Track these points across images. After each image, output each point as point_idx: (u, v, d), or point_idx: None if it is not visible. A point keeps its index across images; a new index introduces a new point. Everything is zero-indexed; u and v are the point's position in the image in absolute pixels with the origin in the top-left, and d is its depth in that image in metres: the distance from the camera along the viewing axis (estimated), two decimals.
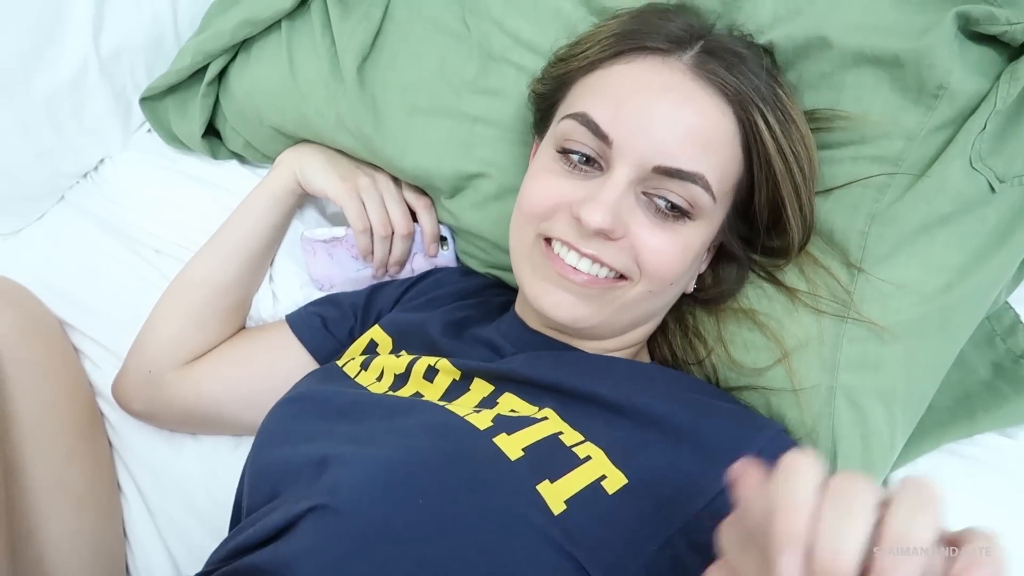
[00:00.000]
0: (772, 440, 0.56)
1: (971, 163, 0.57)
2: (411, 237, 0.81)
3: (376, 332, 0.76)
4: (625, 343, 0.68)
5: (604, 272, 0.60)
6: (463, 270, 0.84)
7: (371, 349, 0.75)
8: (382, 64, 0.77)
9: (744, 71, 0.59)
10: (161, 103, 0.88)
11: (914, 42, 0.57)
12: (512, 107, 0.75)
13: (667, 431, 0.55)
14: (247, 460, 0.65)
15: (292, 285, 0.85)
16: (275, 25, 0.81)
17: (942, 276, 0.59)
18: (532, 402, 0.60)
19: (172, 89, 0.87)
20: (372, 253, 0.81)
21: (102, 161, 0.95)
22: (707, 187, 0.57)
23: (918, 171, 0.59)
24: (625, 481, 0.52)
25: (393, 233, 0.80)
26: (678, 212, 0.58)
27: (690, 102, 0.58)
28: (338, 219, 0.90)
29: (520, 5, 0.75)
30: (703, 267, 0.68)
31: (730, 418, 0.58)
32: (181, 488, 0.81)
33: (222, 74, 0.85)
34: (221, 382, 0.78)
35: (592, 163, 0.60)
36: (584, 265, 0.59)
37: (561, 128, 0.61)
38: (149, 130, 0.95)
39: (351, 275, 0.84)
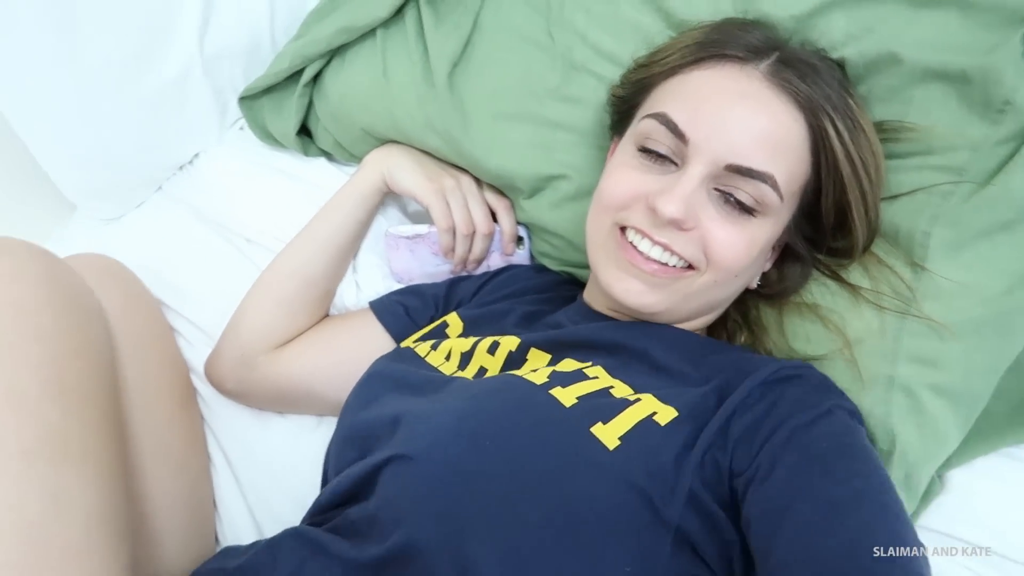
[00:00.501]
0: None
1: None
2: (491, 236, 0.87)
3: (451, 317, 0.82)
4: (687, 328, 0.72)
5: (674, 261, 0.64)
6: (537, 267, 0.90)
7: (441, 331, 0.81)
8: (471, 71, 0.83)
9: (817, 81, 0.63)
10: (257, 102, 0.95)
11: (981, 59, 0.62)
12: (591, 114, 0.80)
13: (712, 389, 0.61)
14: (333, 434, 0.71)
15: (375, 277, 0.91)
16: (370, 32, 0.87)
17: (1003, 280, 0.63)
18: (583, 360, 0.65)
19: (269, 90, 0.94)
20: (452, 250, 0.87)
21: (197, 155, 1.02)
22: (775, 187, 0.62)
23: (982, 180, 0.63)
24: (675, 413, 0.58)
25: (474, 232, 0.85)
26: (747, 209, 0.63)
27: (764, 107, 0.63)
28: (418, 217, 0.95)
29: (602, 19, 0.80)
30: (767, 265, 0.72)
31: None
32: (267, 460, 0.86)
33: (316, 77, 0.91)
34: (309, 365, 0.83)
35: (669, 160, 0.65)
36: (655, 253, 0.64)
37: (641, 127, 0.66)
38: (242, 128, 1.02)
39: (430, 270, 0.90)
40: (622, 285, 0.66)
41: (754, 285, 0.72)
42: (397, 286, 0.91)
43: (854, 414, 0.62)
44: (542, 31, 0.82)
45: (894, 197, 0.66)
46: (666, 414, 0.58)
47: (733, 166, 0.62)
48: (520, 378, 0.62)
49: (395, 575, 0.53)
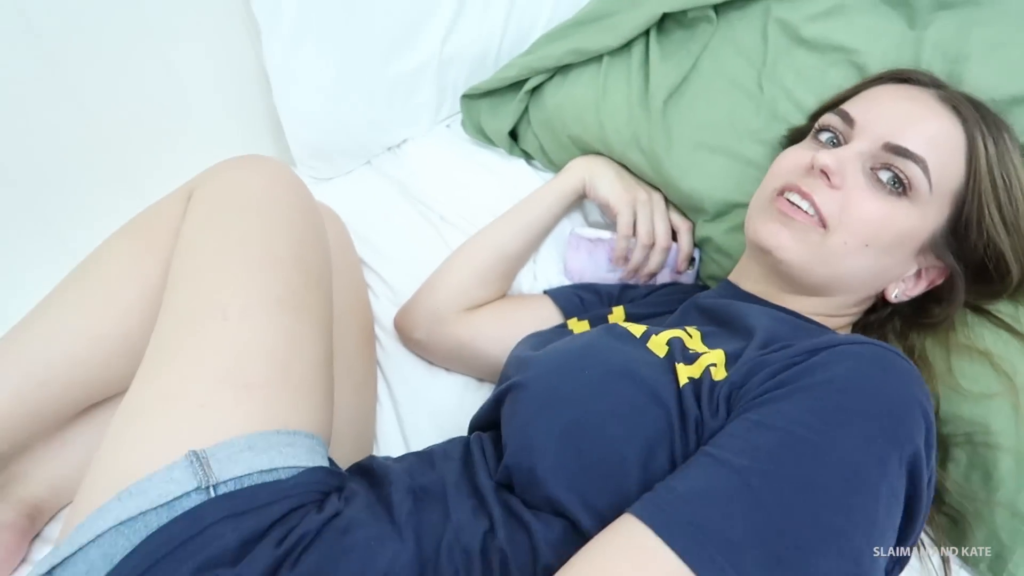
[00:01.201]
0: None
1: None
2: (668, 251, 0.96)
3: (617, 308, 0.92)
4: (823, 310, 0.75)
5: (812, 211, 0.68)
6: (700, 286, 0.99)
7: (603, 317, 0.91)
8: (683, 104, 0.95)
9: (979, 107, 0.72)
10: (477, 102, 1.08)
11: None
12: None
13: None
14: None
15: (551, 270, 1.01)
16: (596, 57, 1.00)
17: None
18: (690, 324, 0.73)
19: (490, 92, 1.07)
20: (626, 259, 0.96)
21: (406, 140, 1.15)
22: (926, 171, 0.67)
23: None
24: (725, 375, 0.62)
25: (654, 245, 0.95)
26: (894, 186, 0.68)
27: (928, 108, 0.70)
28: (599, 226, 1.06)
29: (810, 81, 0.91)
30: (912, 286, 0.73)
31: None
32: (431, 407, 0.95)
33: (536, 88, 1.04)
34: (490, 329, 0.93)
35: (838, 143, 0.73)
36: (798, 201, 0.69)
37: (819, 122, 0.76)
38: (448, 125, 1.16)
39: (602, 274, 0.99)
40: (766, 228, 0.71)
41: (893, 295, 0.73)
42: (567, 283, 1.01)
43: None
44: (753, 81, 0.94)
45: None
46: (719, 373, 0.62)
47: (890, 145, 0.68)
48: (622, 328, 0.71)
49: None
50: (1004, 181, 0.69)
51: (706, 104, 0.95)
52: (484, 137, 1.09)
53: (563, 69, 1.03)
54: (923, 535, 0.73)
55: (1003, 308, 0.74)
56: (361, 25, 1.01)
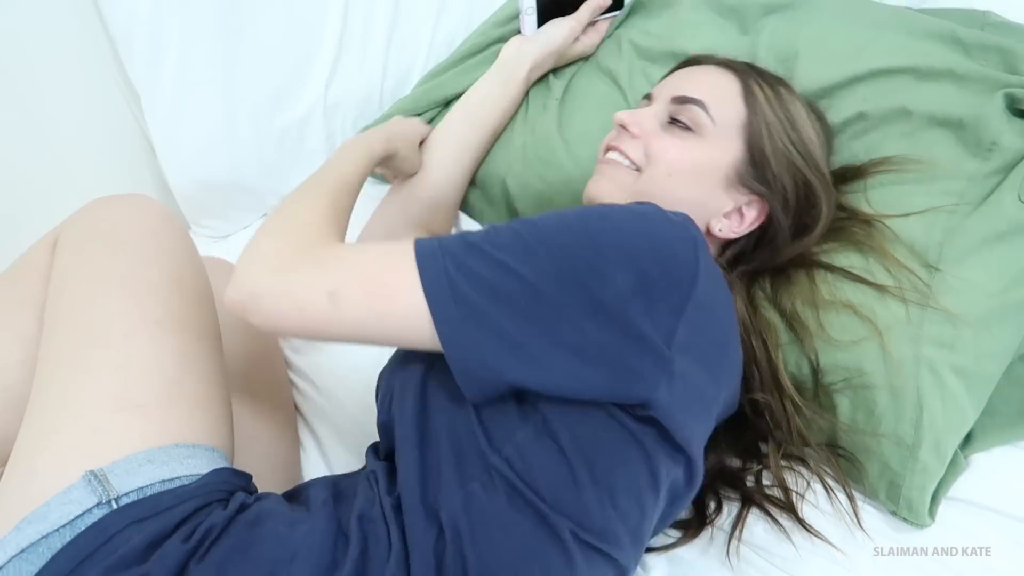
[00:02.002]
0: None
1: (1019, 197, 0.79)
2: None
3: None
4: None
5: (625, 162, 0.80)
6: None
7: None
8: (564, 118, 1.03)
9: (756, 67, 0.84)
10: None
11: (974, 111, 0.81)
12: None
13: None
14: None
15: None
16: None
17: (1000, 280, 0.78)
18: None
19: None
20: None
21: None
22: (705, 108, 0.78)
23: (978, 203, 0.80)
24: None
25: None
26: (686, 127, 0.78)
27: (705, 69, 0.83)
28: None
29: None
30: (737, 224, 0.79)
31: None
32: (358, 444, 0.95)
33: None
34: None
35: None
36: (613, 156, 0.81)
37: None
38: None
39: None
40: (593, 185, 0.81)
41: (717, 229, 0.79)
42: None
43: None
44: (620, 95, 1.02)
45: (910, 215, 0.81)
46: None
47: (675, 96, 0.80)
48: None
49: None
50: (785, 114, 0.79)
51: (582, 119, 1.02)
52: (377, 176, 1.13)
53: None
54: (829, 478, 0.80)
55: (856, 263, 0.82)
56: (242, 79, 1.05)
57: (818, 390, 0.81)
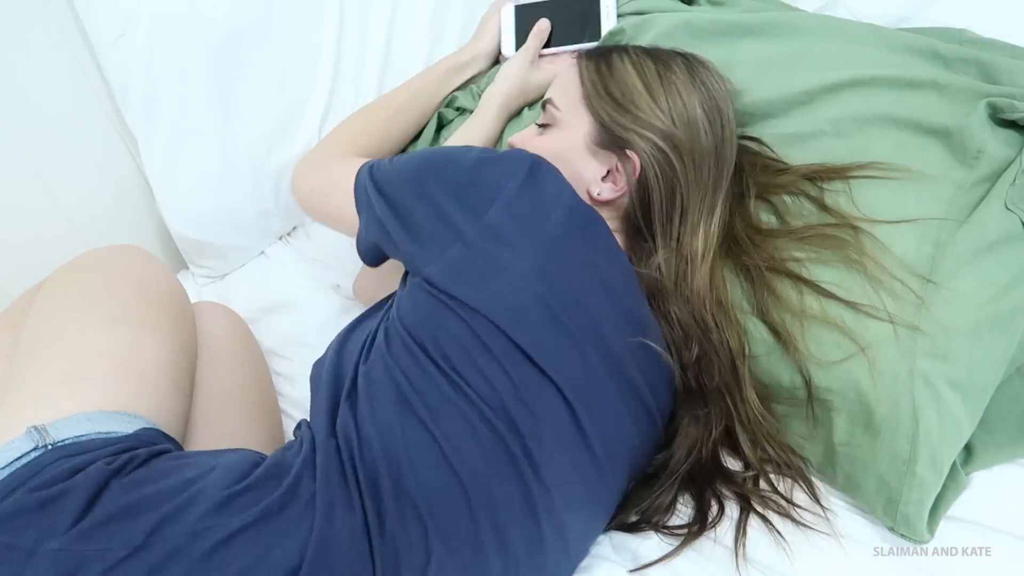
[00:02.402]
0: None
1: (1006, 206, 0.78)
2: None
3: None
4: None
5: None
6: None
7: None
8: None
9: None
10: None
11: (959, 120, 0.81)
12: None
13: None
14: None
15: None
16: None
17: (991, 289, 0.76)
18: None
19: None
20: None
21: (295, 228, 1.20)
22: (553, 104, 0.86)
23: (966, 213, 0.79)
24: None
25: None
26: (546, 125, 0.87)
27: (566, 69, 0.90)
28: None
29: None
30: (616, 182, 0.81)
31: None
32: None
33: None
34: None
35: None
36: None
37: None
38: None
39: None
40: None
41: (596, 193, 0.82)
42: None
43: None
44: None
45: (900, 222, 0.80)
46: None
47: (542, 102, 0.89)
48: None
49: None
50: (606, 69, 0.84)
51: None
52: None
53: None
54: (821, 490, 0.80)
55: (843, 274, 0.80)
56: (238, 121, 1.07)
57: (811, 402, 0.79)
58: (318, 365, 0.82)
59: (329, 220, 0.93)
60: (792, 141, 0.89)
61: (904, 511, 0.75)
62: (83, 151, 1.08)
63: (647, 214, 0.82)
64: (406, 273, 0.81)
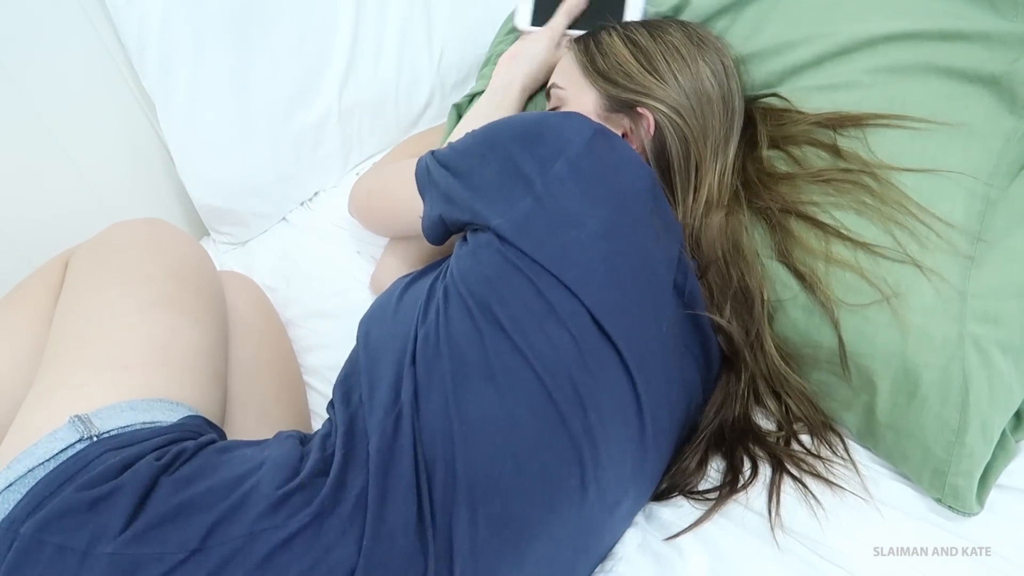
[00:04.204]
0: None
1: None
2: None
3: None
4: None
5: None
6: None
7: None
8: None
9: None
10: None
11: (1007, 67, 0.76)
12: None
13: None
14: None
15: None
16: None
17: None
18: None
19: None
20: None
21: (317, 193, 1.17)
22: (557, 86, 0.88)
23: (1017, 166, 0.75)
24: None
25: None
26: (555, 107, 0.88)
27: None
28: None
29: None
30: (637, 142, 0.82)
31: None
32: None
33: None
34: None
35: None
36: None
37: None
38: (358, 173, 1.18)
39: None
40: None
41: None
42: None
43: None
44: None
45: (936, 170, 0.76)
46: None
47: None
48: None
49: None
50: (606, 37, 0.85)
51: None
52: None
53: None
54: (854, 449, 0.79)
55: (846, 221, 0.77)
56: (256, 85, 1.05)
57: (844, 356, 0.76)
58: (367, 323, 0.79)
59: (390, 217, 0.91)
60: (826, 91, 0.85)
61: (952, 483, 0.71)
62: (102, 117, 1.05)
63: (666, 170, 0.82)
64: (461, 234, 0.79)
